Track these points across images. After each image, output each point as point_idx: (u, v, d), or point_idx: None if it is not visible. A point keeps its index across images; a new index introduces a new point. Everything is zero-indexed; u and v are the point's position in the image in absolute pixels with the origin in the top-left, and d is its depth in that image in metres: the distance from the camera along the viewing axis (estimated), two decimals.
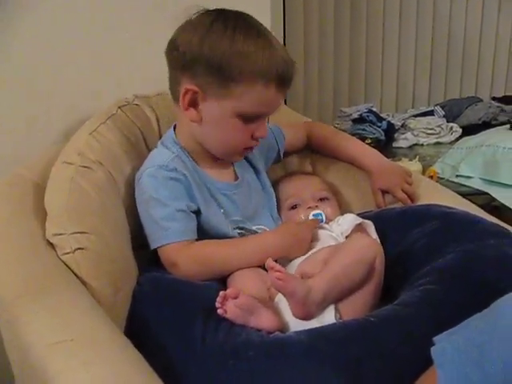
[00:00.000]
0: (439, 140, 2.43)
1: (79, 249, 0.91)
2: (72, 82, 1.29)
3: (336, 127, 2.63)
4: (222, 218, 1.06)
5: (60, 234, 0.92)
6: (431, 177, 1.92)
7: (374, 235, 1.06)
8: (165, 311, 0.89)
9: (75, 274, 0.90)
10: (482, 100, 2.73)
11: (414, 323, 0.79)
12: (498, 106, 2.54)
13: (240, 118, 0.98)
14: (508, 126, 2.06)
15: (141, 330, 0.89)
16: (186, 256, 0.96)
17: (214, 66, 0.94)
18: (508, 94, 2.84)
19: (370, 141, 2.30)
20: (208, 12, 1.01)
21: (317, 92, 2.76)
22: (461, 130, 2.45)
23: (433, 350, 0.63)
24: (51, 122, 1.28)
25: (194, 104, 1.00)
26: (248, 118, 0.99)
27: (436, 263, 0.94)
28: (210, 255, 0.98)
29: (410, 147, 2.41)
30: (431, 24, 2.82)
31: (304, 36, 2.58)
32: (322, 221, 1.11)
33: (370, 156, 1.25)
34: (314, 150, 1.32)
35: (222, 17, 0.98)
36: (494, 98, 2.75)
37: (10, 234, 0.95)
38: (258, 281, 0.95)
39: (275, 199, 1.17)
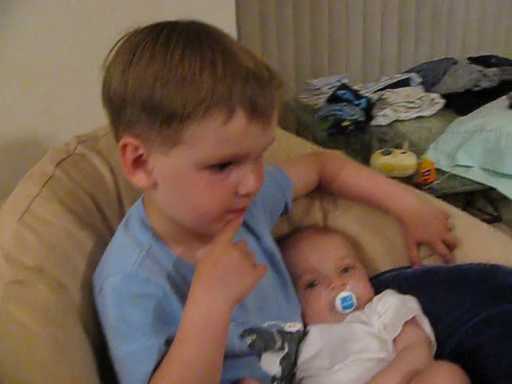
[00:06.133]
0: (420, 114, 2.18)
1: None
2: None
3: (303, 102, 2.34)
4: None
5: None
6: (429, 171, 1.68)
7: (428, 329, 0.80)
8: None
9: None
10: (457, 62, 2.49)
11: None
12: (479, 70, 2.30)
13: (206, 170, 0.66)
14: (506, 102, 1.81)
15: None
16: None
17: (145, 104, 0.63)
18: (483, 53, 2.60)
19: (348, 123, 2.03)
20: (137, 30, 0.68)
21: (276, 61, 2.44)
22: (443, 101, 2.22)
23: None
24: None
25: (140, 164, 0.68)
26: (219, 168, 0.67)
27: None
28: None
29: (391, 124, 2.15)
30: None
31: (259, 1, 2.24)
32: (352, 306, 0.83)
33: (401, 199, 0.95)
34: (323, 189, 1.01)
35: (152, 34, 0.66)
36: (470, 59, 2.50)
37: None
38: None
39: (286, 272, 0.88)
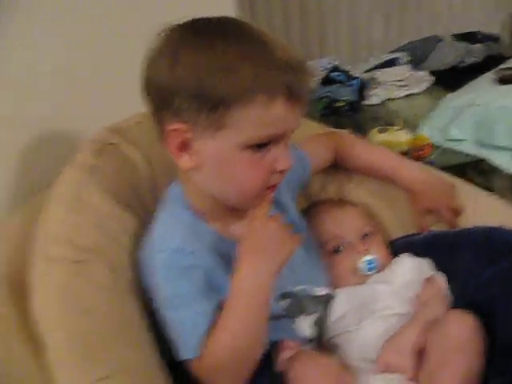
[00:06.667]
0: (410, 91, 2.27)
1: None
2: None
3: None
4: None
5: None
6: (424, 146, 1.76)
7: (444, 285, 0.89)
8: None
9: None
10: (441, 39, 2.57)
11: None
12: (464, 47, 2.39)
13: (248, 150, 0.75)
14: (493, 77, 1.90)
15: None
16: (206, 369, 0.73)
17: (194, 92, 0.71)
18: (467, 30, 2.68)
19: (342, 103, 2.11)
20: (174, 27, 0.76)
21: None
22: (431, 79, 2.30)
23: None
24: None
25: (184, 147, 0.76)
26: (258, 148, 0.75)
27: None
28: (224, 351, 0.72)
29: (382, 103, 2.24)
30: None
31: None
32: (376, 268, 0.92)
33: (409, 171, 1.04)
34: (337, 166, 1.09)
35: (192, 29, 0.74)
36: (454, 36, 2.59)
37: None
38: None
39: (312, 241, 0.96)
